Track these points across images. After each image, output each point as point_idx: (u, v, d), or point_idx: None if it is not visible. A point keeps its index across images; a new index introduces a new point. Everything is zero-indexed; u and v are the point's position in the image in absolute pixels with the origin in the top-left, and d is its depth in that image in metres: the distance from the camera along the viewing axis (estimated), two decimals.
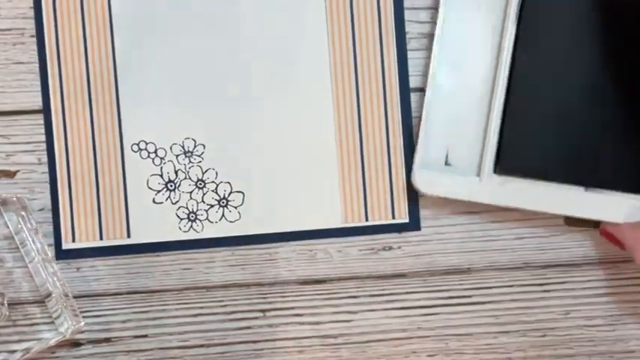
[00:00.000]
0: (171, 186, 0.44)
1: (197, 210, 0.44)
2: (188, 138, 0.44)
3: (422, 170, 0.42)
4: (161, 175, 0.44)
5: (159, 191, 0.44)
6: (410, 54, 0.44)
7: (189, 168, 0.44)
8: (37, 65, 0.43)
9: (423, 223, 0.44)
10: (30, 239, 0.42)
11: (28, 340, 0.43)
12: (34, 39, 0.43)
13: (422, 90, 0.44)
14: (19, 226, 0.42)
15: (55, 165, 0.43)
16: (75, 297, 0.44)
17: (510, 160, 0.42)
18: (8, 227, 0.43)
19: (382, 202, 0.44)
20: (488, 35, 0.42)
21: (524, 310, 0.45)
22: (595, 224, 0.42)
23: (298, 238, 0.44)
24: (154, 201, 0.44)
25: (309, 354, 0.45)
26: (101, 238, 0.44)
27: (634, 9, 0.41)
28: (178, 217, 0.44)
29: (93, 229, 0.44)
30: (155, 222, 0.44)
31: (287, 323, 0.45)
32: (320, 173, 0.44)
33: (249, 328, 0.45)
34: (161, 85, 0.44)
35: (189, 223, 0.44)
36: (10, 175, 0.44)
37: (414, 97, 0.44)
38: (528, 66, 0.42)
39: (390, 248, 0.44)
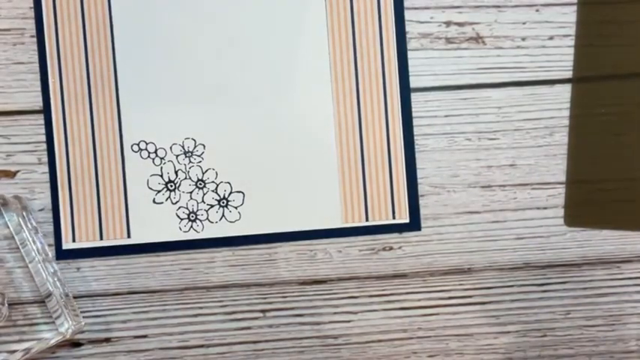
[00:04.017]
0: (171, 186, 0.44)
1: (197, 210, 0.44)
2: (188, 138, 0.44)
3: None
4: (161, 175, 0.44)
5: (159, 191, 0.44)
6: (410, 54, 0.44)
7: (189, 168, 0.44)
8: (37, 65, 0.43)
9: (423, 223, 0.44)
10: (30, 239, 0.42)
11: (28, 340, 0.43)
12: (34, 39, 0.43)
13: (422, 90, 0.44)
14: (20, 226, 0.42)
15: (55, 165, 0.43)
16: (75, 297, 0.44)
17: None
18: (8, 227, 0.43)
19: (382, 201, 0.44)
20: None
21: (524, 310, 0.45)
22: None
23: (298, 238, 0.44)
24: (154, 201, 0.44)
25: (309, 354, 0.45)
26: (101, 238, 0.44)
27: None
28: (178, 217, 0.44)
29: (93, 229, 0.44)
30: (155, 222, 0.44)
31: (287, 323, 0.45)
32: (320, 173, 0.44)
33: (249, 328, 0.45)
34: (161, 85, 0.44)
35: (190, 223, 0.44)
36: (10, 175, 0.44)
37: (414, 97, 0.44)
38: None
39: (391, 248, 0.44)
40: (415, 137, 0.44)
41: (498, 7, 0.44)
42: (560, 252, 0.45)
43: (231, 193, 0.44)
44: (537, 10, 0.44)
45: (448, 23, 0.44)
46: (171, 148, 0.44)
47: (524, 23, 0.44)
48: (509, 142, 0.44)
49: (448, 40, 0.44)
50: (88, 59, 0.43)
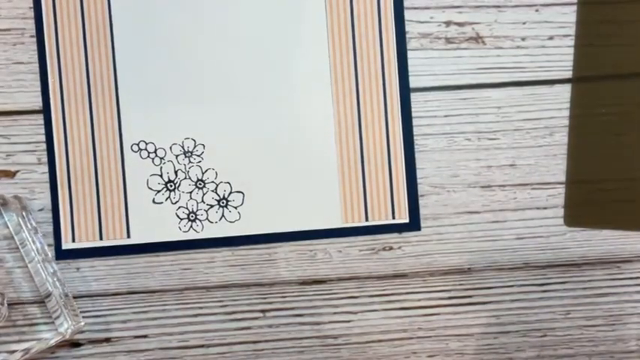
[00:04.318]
0: (171, 186, 0.44)
1: (197, 210, 0.44)
2: (188, 138, 0.44)
3: None
4: (161, 175, 0.44)
5: (159, 191, 0.44)
6: (410, 54, 0.44)
7: (189, 168, 0.44)
8: (37, 65, 0.43)
9: (423, 223, 0.44)
10: (30, 239, 0.42)
11: (28, 340, 0.43)
12: (34, 39, 0.43)
13: (422, 90, 0.44)
14: (19, 226, 0.42)
15: (55, 165, 0.43)
16: (75, 297, 0.44)
17: None
18: (8, 227, 0.43)
19: (382, 202, 0.44)
20: None
21: (524, 310, 0.45)
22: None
23: (298, 238, 0.44)
24: (153, 201, 0.44)
25: (308, 354, 0.45)
26: (101, 238, 0.44)
27: None
28: (178, 217, 0.44)
29: (93, 229, 0.44)
30: (155, 222, 0.44)
31: (287, 323, 0.45)
32: (320, 173, 0.44)
33: (249, 328, 0.45)
34: (161, 85, 0.44)
35: (189, 223, 0.44)
36: (10, 175, 0.44)
37: (413, 97, 0.44)
38: None
39: (390, 248, 0.44)
40: (415, 137, 0.44)
41: (498, 7, 0.44)
42: (560, 252, 0.45)
43: (231, 193, 0.44)
44: (537, 10, 0.44)
45: (448, 23, 0.44)
46: (171, 148, 0.44)
47: (524, 23, 0.44)
48: (509, 142, 0.44)
49: (448, 40, 0.44)
50: (88, 59, 0.43)
